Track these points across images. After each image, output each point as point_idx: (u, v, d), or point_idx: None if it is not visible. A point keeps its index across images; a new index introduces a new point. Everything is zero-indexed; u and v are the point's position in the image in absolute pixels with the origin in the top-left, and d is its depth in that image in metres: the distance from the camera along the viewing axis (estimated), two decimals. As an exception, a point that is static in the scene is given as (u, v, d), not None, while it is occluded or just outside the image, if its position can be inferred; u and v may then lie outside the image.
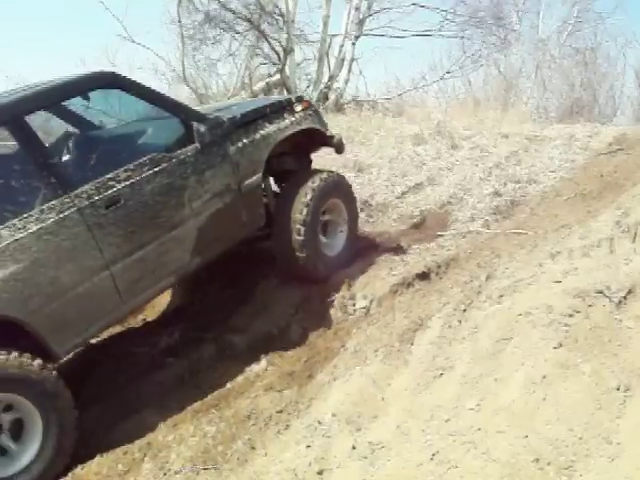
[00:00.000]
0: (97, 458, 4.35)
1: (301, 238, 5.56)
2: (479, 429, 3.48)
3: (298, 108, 5.91)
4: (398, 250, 6.29)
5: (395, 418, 3.89)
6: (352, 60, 15.27)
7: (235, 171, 5.19)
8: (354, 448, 3.74)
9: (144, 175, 4.61)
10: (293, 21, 14.06)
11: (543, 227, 5.91)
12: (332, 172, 6.13)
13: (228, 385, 4.88)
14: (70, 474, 4.27)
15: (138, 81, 4.88)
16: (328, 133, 6.26)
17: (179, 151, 4.88)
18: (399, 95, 15.86)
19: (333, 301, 5.54)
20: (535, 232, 5.75)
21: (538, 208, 6.83)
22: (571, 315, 4.08)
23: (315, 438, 3.92)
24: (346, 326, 5.28)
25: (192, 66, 14.69)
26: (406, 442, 3.65)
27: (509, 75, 17.91)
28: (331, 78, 14.99)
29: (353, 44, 15.12)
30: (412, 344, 4.50)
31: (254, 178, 5.38)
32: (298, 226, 5.56)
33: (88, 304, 4.37)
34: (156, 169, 4.68)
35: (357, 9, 14.90)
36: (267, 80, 14.69)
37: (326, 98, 14.39)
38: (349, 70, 15.26)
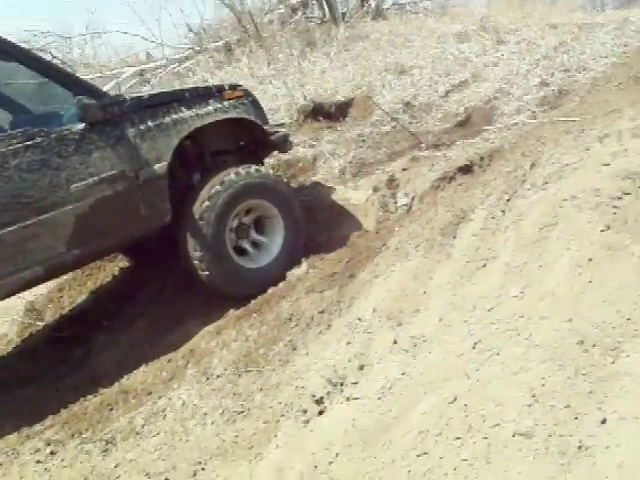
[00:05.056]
0: (142, 368, 4.48)
1: (199, 253, 4.85)
2: (522, 316, 3.39)
3: (230, 96, 5.18)
4: (440, 147, 6.09)
5: (437, 311, 3.82)
6: (393, -39, 14.66)
7: (134, 156, 4.59)
8: (395, 343, 3.69)
9: (11, 148, 4.10)
10: None
11: (592, 113, 5.61)
12: (258, 170, 5.19)
13: (270, 290, 4.85)
14: (116, 384, 4.38)
15: (26, 48, 4.43)
16: (268, 127, 5.48)
17: (62, 127, 4.38)
18: (442, -6, 15.20)
19: (374, 201, 5.40)
20: (583, 118, 5.46)
21: (588, 96, 6.46)
22: (620, 197, 3.90)
23: (356, 335, 3.88)
24: (388, 225, 5.15)
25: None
26: (448, 334, 3.59)
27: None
28: (371, -18, 14.43)
29: (393, -55, 14.50)
30: (454, 237, 4.37)
31: (157, 166, 4.69)
32: (196, 239, 4.84)
33: None
34: (28, 143, 4.17)
35: None
36: (306, -10, 14.24)
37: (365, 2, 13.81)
38: (390, -28, 14.66)
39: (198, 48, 13.48)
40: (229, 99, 5.18)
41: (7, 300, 4.49)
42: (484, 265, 3.98)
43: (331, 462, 3.01)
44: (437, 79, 8.28)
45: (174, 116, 4.81)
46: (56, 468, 3.73)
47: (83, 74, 10.11)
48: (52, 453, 3.87)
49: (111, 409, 4.19)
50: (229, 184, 4.91)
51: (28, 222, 4.17)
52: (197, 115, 4.94)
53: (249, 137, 5.52)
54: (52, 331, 5.69)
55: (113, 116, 4.54)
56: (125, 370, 4.53)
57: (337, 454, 3.03)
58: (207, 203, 4.82)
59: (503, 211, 4.36)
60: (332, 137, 7.04)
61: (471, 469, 2.58)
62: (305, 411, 3.42)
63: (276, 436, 3.37)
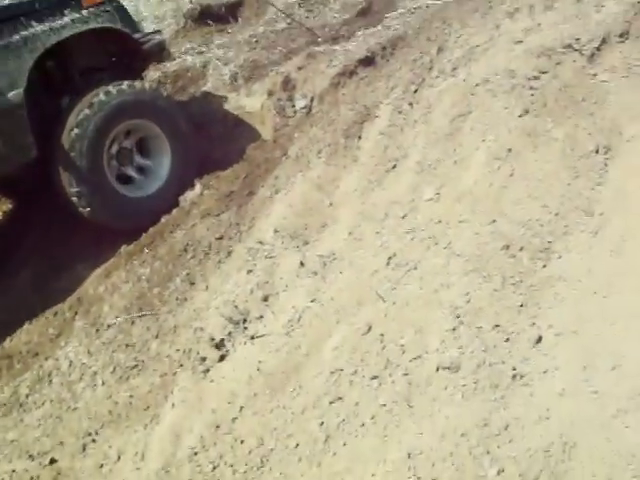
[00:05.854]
0: (26, 326, 3.85)
1: (75, 189, 4.19)
2: (439, 221, 3.06)
3: (89, 3, 4.41)
4: (339, 39, 5.53)
5: (346, 224, 3.45)
6: None
7: None
8: (302, 265, 3.31)
9: None
10: None
11: (501, -12, 5.16)
12: (132, 86, 4.49)
13: (163, 220, 4.26)
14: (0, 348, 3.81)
15: None
16: (139, 36, 4.73)
17: None
18: None
19: (269, 106, 4.85)
20: (491, -7, 5.00)
21: (498, -28, 6.01)
22: (537, 77, 3.62)
23: (257, 261, 3.45)
24: (287, 131, 4.59)
25: None
26: (360, 248, 3.24)
27: None
28: None
29: None
30: (360, 138, 3.96)
31: (11, 95, 4.00)
32: (70, 173, 4.19)
33: None
34: None
35: None
36: None
37: None
38: None
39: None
40: (88, 7, 4.39)
41: None
42: (394, 166, 3.61)
43: (235, 418, 2.60)
44: (333, -33, 7.65)
45: (23, 33, 4.06)
46: None
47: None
48: None
49: (-6, 381, 3.67)
50: (99, 106, 4.22)
51: None
52: (52, 29, 4.17)
53: (120, 49, 4.77)
54: None
55: None
56: (10, 330, 3.90)
57: (241, 408, 2.62)
58: (76, 131, 4.14)
59: (411, 104, 3.96)
60: (222, 41, 6.36)
61: (391, 416, 2.20)
62: (204, 359, 2.97)
63: (172, 393, 2.93)
